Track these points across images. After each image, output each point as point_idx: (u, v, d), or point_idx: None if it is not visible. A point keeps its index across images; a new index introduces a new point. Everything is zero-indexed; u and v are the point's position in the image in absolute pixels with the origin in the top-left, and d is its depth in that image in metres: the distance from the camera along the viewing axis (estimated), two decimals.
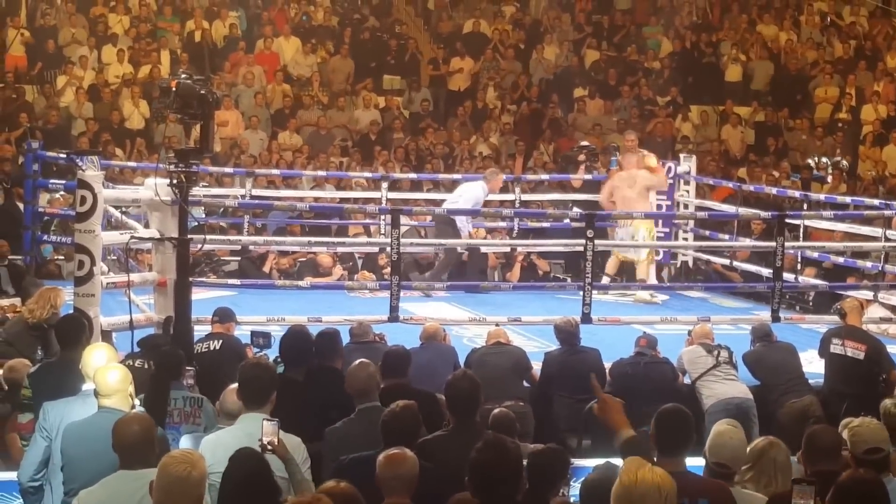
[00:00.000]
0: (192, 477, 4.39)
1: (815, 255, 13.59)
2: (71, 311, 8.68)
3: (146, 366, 7.52)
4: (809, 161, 19.41)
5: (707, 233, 15.04)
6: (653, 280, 13.83)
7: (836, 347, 9.33)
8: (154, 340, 8.41)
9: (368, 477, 5.15)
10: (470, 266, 13.92)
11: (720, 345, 9.22)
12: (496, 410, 6.95)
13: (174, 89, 8.33)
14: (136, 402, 6.16)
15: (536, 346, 10.08)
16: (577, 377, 8.80)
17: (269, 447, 5.50)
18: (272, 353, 8.22)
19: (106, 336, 8.92)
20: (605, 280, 13.41)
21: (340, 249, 14.08)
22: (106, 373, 5.93)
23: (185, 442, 6.33)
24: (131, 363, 7.34)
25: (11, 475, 6.62)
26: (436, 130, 19.71)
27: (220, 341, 8.67)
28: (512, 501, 4.89)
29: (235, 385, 6.40)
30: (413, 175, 16.75)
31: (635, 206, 13.34)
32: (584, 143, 16.73)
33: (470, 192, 13.79)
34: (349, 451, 6.02)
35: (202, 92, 8.38)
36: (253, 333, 8.68)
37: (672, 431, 5.40)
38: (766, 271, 12.46)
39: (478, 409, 6.38)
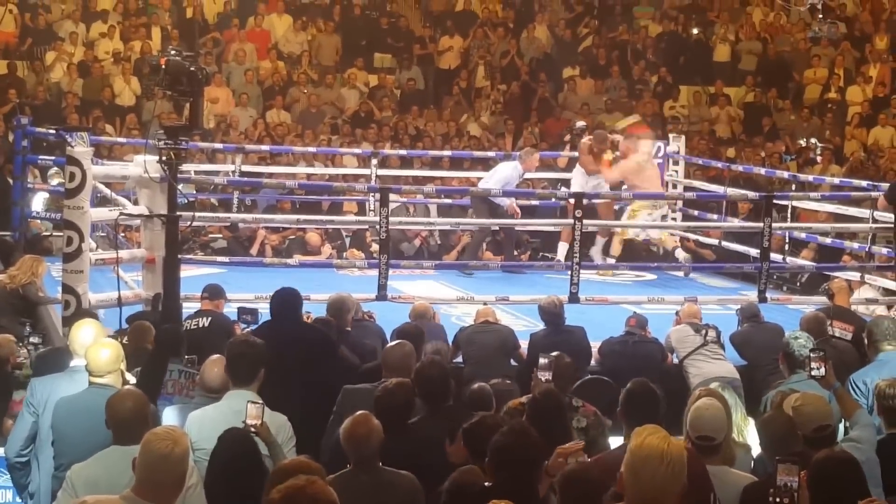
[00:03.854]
0: (174, 454, 4.40)
1: (803, 235, 13.61)
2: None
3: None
4: (801, 142, 19.42)
5: (695, 213, 15.04)
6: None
7: None
8: (143, 317, 8.43)
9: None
10: (506, 241, 13.94)
11: (708, 324, 9.23)
12: (474, 386, 6.98)
13: (164, 66, 8.33)
14: (130, 377, 6.16)
15: (524, 325, 10.10)
16: None
17: (253, 429, 5.52)
18: None
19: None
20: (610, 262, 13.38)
21: (329, 227, 14.07)
22: (98, 351, 5.92)
23: (169, 413, 6.31)
24: (119, 340, 7.33)
25: None
26: (422, 109, 19.67)
27: (210, 318, 8.66)
28: (531, 486, 4.89)
29: (215, 357, 6.41)
30: (403, 152, 16.74)
31: None
32: (580, 122, 16.66)
33: (502, 172, 13.83)
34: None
35: (192, 69, 8.37)
36: (240, 310, 8.68)
37: (639, 405, 5.57)
38: (753, 251, 12.47)
39: (450, 395, 6.35)
